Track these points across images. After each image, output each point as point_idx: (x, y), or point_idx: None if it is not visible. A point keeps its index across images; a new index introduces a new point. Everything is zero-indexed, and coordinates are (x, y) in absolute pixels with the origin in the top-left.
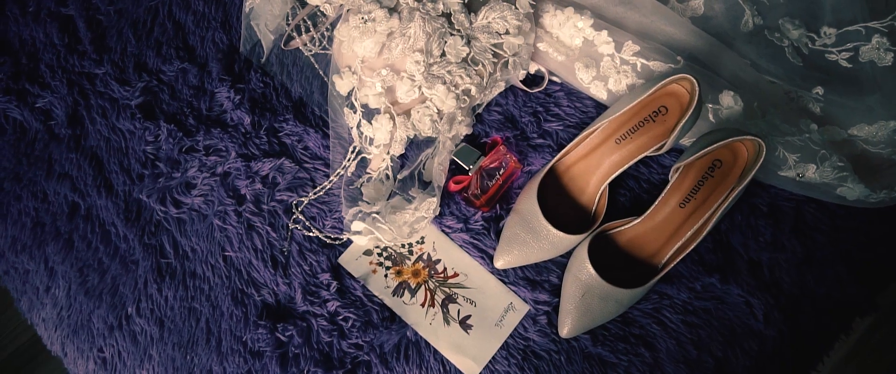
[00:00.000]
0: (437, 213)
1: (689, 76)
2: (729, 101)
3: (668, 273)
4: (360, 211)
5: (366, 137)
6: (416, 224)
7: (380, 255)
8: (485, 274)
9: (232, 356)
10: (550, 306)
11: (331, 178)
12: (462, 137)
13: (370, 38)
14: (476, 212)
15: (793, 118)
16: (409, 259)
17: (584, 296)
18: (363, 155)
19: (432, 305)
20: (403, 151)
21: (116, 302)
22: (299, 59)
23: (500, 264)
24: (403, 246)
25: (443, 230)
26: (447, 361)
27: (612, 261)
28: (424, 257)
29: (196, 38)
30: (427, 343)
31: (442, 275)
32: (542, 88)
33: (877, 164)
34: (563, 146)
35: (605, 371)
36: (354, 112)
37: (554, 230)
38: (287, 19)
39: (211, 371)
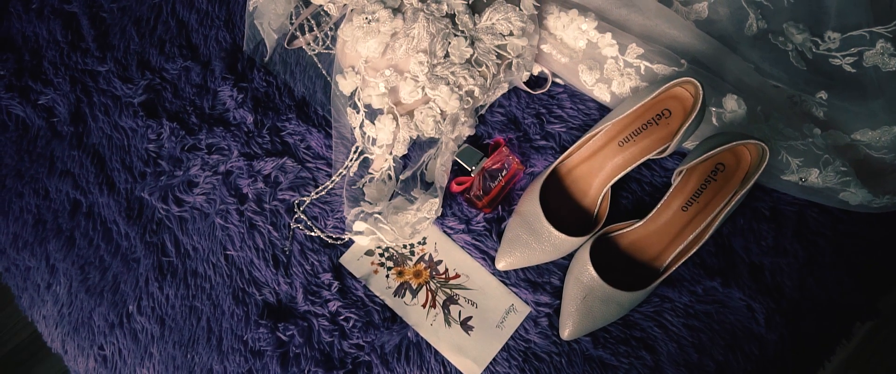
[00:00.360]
0: (439, 214)
1: (692, 80)
2: (732, 104)
3: (670, 276)
4: (362, 211)
5: (368, 137)
6: (418, 225)
7: (381, 255)
8: (486, 275)
9: (233, 356)
10: (552, 309)
11: (333, 178)
12: (465, 138)
13: (374, 38)
14: (478, 213)
15: (796, 122)
16: (411, 260)
17: (585, 298)
18: (366, 155)
19: (433, 306)
20: (406, 152)
21: (117, 300)
22: (302, 58)
23: (501, 265)
24: (405, 247)
25: (444, 231)
26: (448, 362)
27: (613, 263)
28: (426, 257)
29: (199, 37)
30: (428, 344)
31: (443, 276)
32: (546, 89)
33: (879, 169)
34: (566, 148)
35: None
36: (357, 112)
37: (556, 232)
38: (291, 18)
39: (211, 370)
